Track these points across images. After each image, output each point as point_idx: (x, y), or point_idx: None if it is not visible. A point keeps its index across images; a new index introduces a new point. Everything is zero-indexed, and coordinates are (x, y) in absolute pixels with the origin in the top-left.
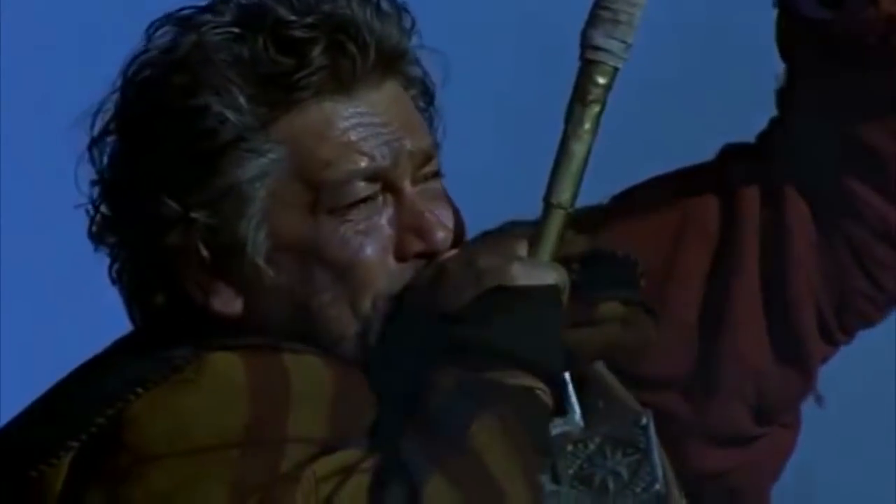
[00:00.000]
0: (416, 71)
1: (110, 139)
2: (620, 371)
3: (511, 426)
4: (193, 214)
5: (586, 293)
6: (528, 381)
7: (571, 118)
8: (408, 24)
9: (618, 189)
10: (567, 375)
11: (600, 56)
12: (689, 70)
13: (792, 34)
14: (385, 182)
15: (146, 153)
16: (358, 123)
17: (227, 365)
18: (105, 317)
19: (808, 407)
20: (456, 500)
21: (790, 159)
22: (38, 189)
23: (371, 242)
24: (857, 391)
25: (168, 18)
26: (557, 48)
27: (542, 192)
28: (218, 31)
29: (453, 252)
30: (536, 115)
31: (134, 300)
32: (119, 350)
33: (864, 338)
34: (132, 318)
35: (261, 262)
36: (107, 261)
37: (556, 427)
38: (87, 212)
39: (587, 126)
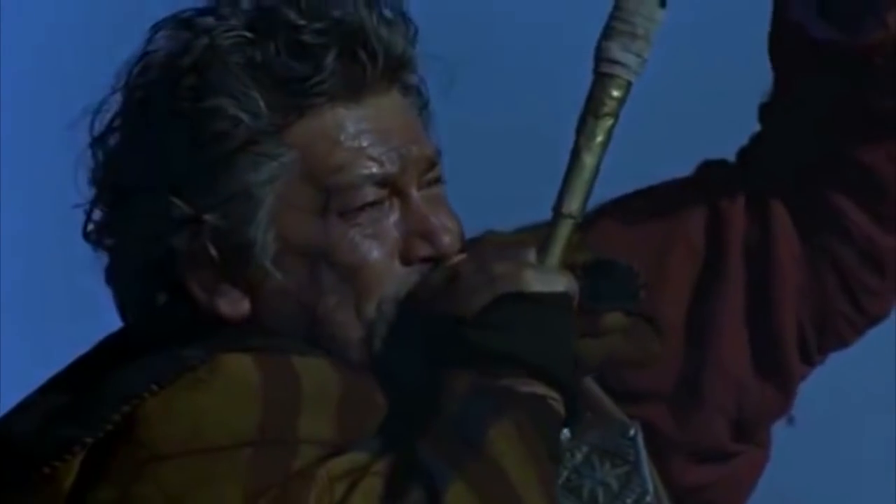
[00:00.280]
0: (414, 79)
1: (112, 139)
2: (604, 383)
3: (527, 433)
4: (203, 216)
5: (589, 303)
6: (540, 389)
7: (584, 130)
8: (412, 33)
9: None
10: None
11: (616, 70)
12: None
13: (788, 50)
14: (392, 187)
15: (155, 154)
16: (368, 129)
17: (239, 366)
18: (103, 316)
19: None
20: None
21: (777, 175)
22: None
23: (378, 246)
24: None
25: (171, 21)
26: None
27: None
28: (229, 34)
29: (459, 257)
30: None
31: (132, 300)
32: (110, 348)
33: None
34: (124, 319)
35: (268, 264)
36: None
37: None
38: (85, 212)
39: (599, 139)
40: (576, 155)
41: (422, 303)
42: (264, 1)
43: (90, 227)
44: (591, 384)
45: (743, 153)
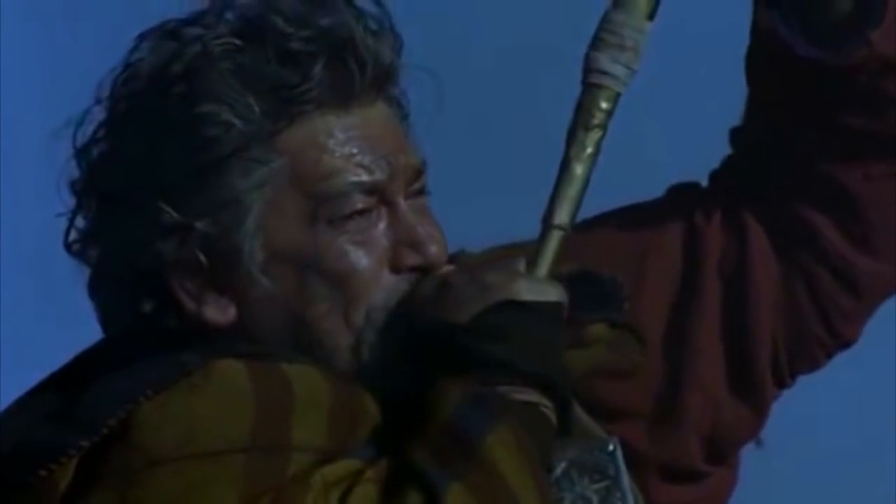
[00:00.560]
0: (397, 91)
1: (97, 149)
2: (581, 399)
3: (522, 441)
4: (191, 222)
5: (573, 314)
6: (533, 397)
7: (574, 141)
8: (398, 45)
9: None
10: None
11: (605, 81)
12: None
13: (768, 67)
14: (380, 195)
15: (143, 162)
16: (356, 136)
17: (231, 372)
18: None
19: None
20: None
21: (752, 194)
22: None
23: (367, 254)
24: None
25: (156, 31)
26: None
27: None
28: (219, 41)
29: (448, 267)
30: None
31: (117, 310)
32: (95, 357)
33: None
34: (107, 330)
35: (256, 271)
36: None
37: None
38: (70, 222)
39: (589, 150)
40: (566, 166)
41: (413, 311)
42: (249, 11)
43: (73, 237)
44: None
45: (715, 175)
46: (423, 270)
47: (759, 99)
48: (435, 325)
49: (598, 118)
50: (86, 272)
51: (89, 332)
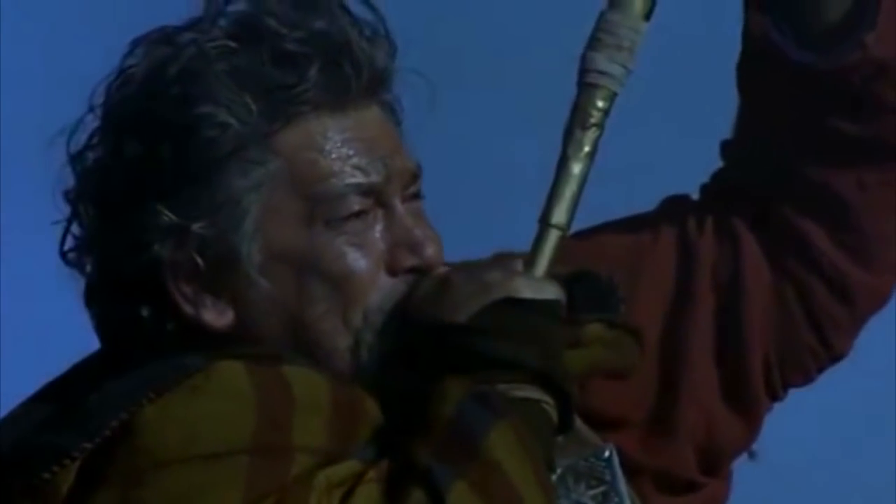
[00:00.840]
0: (390, 96)
1: (92, 155)
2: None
3: (525, 438)
4: (189, 225)
5: (571, 314)
6: (535, 394)
7: (571, 141)
8: (392, 50)
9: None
10: None
11: (603, 80)
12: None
13: (761, 73)
14: (377, 198)
15: (140, 165)
16: (352, 138)
17: (232, 373)
18: None
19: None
20: None
21: (745, 203)
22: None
23: (364, 255)
24: None
25: (149, 37)
26: None
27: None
28: (214, 44)
29: (444, 269)
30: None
31: (114, 316)
32: (94, 364)
33: None
34: (105, 339)
35: (254, 273)
36: None
37: None
38: (66, 230)
39: (587, 149)
40: (563, 165)
41: (411, 311)
42: (243, 15)
43: (68, 245)
44: None
45: (706, 187)
46: (420, 272)
47: (751, 106)
48: (434, 324)
49: (596, 117)
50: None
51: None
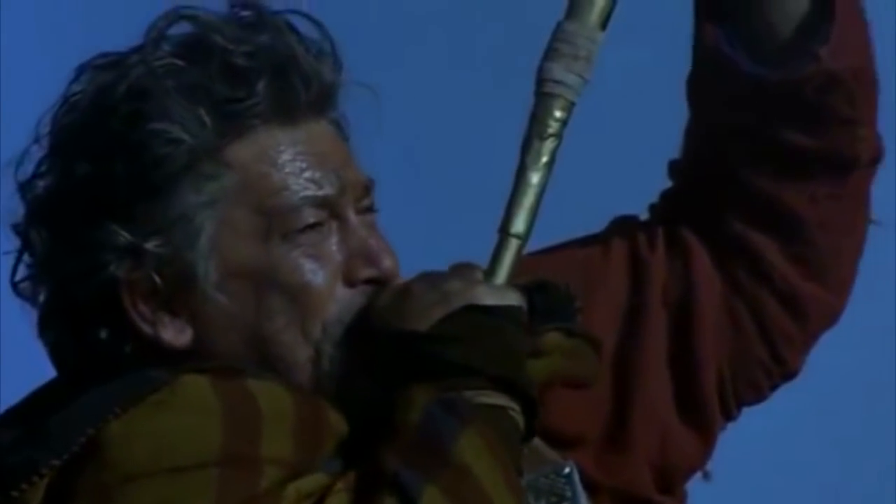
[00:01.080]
0: (337, 112)
1: (42, 183)
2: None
3: (493, 443)
4: (144, 244)
5: (530, 323)
6: (500, 400)
7: (529, 151)
8: (339, 67)
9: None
10: None
11: (560, 90)
12: None
13: (713, 89)
14: (331, 210)
15: (92, 186)
16: (305, 152)
17: (197, 387)
18: None
19: None
20: None
21: (696, 218)
22: None
23: (322, 267)
24: None
25: (94, 62)
26: None
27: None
28: (161, 62)
29: (404, 279)
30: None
31: (70, 344)
32: (54, 390)
33: None
34: (60, 365)
35: (212, 290)
36: None
37: None
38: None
39: (545, 159)
40: (521, 175)
41: (374, 322)
42: (187, 36)
43: (20, 276)
44: None
45: (655, 206)
46: (378, 283)
47: (701, 120)
48: (397, 334)
49: (553, 127)
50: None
51: None
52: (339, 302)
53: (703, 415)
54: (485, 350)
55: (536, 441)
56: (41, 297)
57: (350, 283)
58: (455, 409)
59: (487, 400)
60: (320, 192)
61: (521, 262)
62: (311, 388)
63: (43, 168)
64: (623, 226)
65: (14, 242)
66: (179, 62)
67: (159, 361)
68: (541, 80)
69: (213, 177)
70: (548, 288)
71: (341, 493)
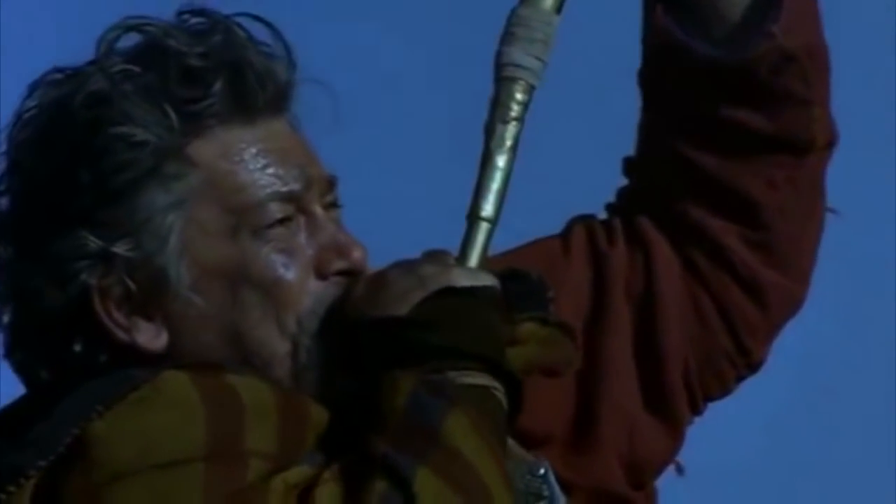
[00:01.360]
0: (292, 113)
1: (3, 200)
2: None
3: (478, 423)
4: (114, 248)
5: (505, 313)
6: (483, 380)
7: (493, 136)
8: (293, 63)
9: None
10: None
11: (519, 73)
12: None
13: (663, 71)
14: (297, 205)
15: (58, 197)
16: (267, 149)
17: (179, 383)
18: None
19: None
20: (444, 490)
21: (654, 208)
22: None
23: (293, 261)
24: None
25: (44, 79)
26: None
27: None
28: (117, 68)
29: (375, 270)
30: None
31: (43, 359)
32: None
33: None
34: (33, 382)
35: (185, 291)
36: None
37: None
38: None
39: (509, 143)
40: (487, 159)
41: (350, 312)
42: (139, 45)
43: None
44: None
45: (612, 205)
46: (349, 274)
47: (655, 109)
48: (376, 322)
49: (516, 111)
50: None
51: None
52: (313, 295)
53: (670, 408)
54: (464, 331)
55: (509, 442)
56: (6, 318)
57: (322, 275)
58: (440, 391)
59: (471, 380)
60: (286, 188)
61: (491, 246)
62: (291, 382)
63: (2, 186)
64: (582, 223)
65: None
66: (135, 68)
67: (137, 366)
68: (500, 65)
69: (178, 176)
70: (520, 277)
71: (329, 483)
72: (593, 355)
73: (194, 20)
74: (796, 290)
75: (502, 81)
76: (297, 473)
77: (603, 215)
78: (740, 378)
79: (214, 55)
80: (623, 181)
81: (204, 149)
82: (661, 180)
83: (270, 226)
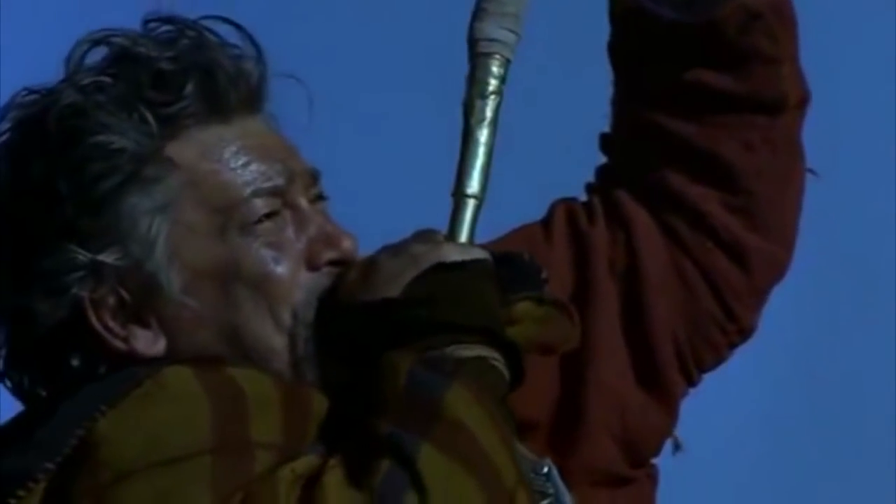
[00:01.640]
0: (268, 110)
1: None
2: None
3: (480, 395)
4: (103, 258)
5: (499, 294)
6: (481, 351)
7: (472, 112)
8: (263, 60)
9: None
10: None
11: (495, 48)
12: None
13: (632, 40)
14: (283, 200)
15: (40, 211)
16: (246, 146)
17: (181, 377)
18: None
19: None
20: (449, 465)
21: (632, 180)
22: None
23: (283, 254)
24: None
25: (13, 101)
26: None
27: None
28: (88, 80)
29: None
30: None
31: (41, 377)
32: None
33: None
34: (32, 400)
35: (178, 294)
36: None
37: None
38: None
39: (489, 116)
40: (469, 136)
41: (345, 299)
42: (109, 54)
43: None
44: None
45: (592, 184)
46: (340, 264)
47: (626, 80)
48: (369, 305)
49: (493, 85)
50: None
51: None
52: (305, 287)
53: (663, 381)
54: (458, 304)
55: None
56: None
57: (313, 267)
58: (438, 367)
59: (469, 353)
60: (269, 183)
61: (478, 221)
62: (291, 373)
63: None
64: (562, 206)
65: None
66: (106, 79)
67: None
68: (474, 41)
69: (159, 179)
70: (512, 260)
71: (336, 469)
72: (581, 339)
73: (161, 28)
74: (779, 253)
75: (477, 57)
76: (305, 462)
77: (583, 196)
78: (732, 345)
79: (184, 58)
80: (602, 159)
81: (183, 150)
82: (638, 152)
83: (257, 222)
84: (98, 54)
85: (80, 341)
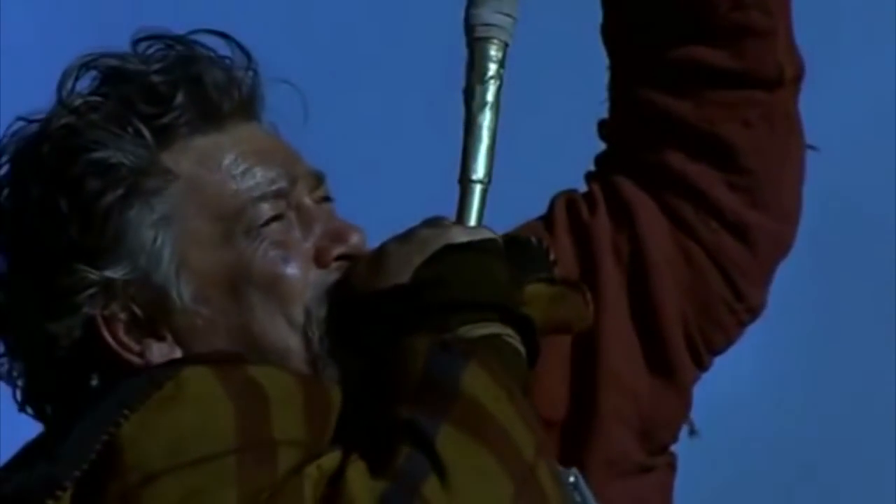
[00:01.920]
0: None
1: None
2: None
3: (496, 372)
4: (111, 275)
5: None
6: (495, 328)
7: (473, 96)
8: (255, 68)
9: None
10: None
11: (492, 32)
12: None
13: (626, 24)
14: (288, 202)
15: (44, 234)
16: (246, 152)
17: (202, 378)
18: None
19: None
20: (468, 444)
21: (631, 164)
22: None
23: (291, 254)
24: None
25: (8, 133)
26: None
27: None
28: (80, 101)
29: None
30: None
31: (62, 399)
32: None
33: None
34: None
35: (190, 304)
36: None
37: None
38: None
39: (490, 100)
40: (471, 122)
41: (356, 290)
42: (99, 75)
43: None
44: None
45: (591, 173)
46: (349, 259)
47: (622, 65)
48: (380, 294)
49: (492, 70)
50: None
51: None
52: (316, 284)
53: (674, 366)
54: (469, 283)
55: None
56: (17, 370)
57: (322, 264)
58: (454, 347)
59: (483, 331)
60: (273, 187)
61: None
62: (308, 371)
63: None
64: (562, 199)
65: None
66: (98, 98)
67: None
68: (470, 27)
69: (159, 191)
70: (521, 244)
71: (358, 462)
72: (589, 331)
73: (151, 45)
74: (782, 229)
75: (475, 42)
76: (331, 459)
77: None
78: (742, 325)
79: (173, 70)
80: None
81: (180, 159)
82: (636, 134)
83: (264, 224)
84: (88, 80)
85: (97, 360)
